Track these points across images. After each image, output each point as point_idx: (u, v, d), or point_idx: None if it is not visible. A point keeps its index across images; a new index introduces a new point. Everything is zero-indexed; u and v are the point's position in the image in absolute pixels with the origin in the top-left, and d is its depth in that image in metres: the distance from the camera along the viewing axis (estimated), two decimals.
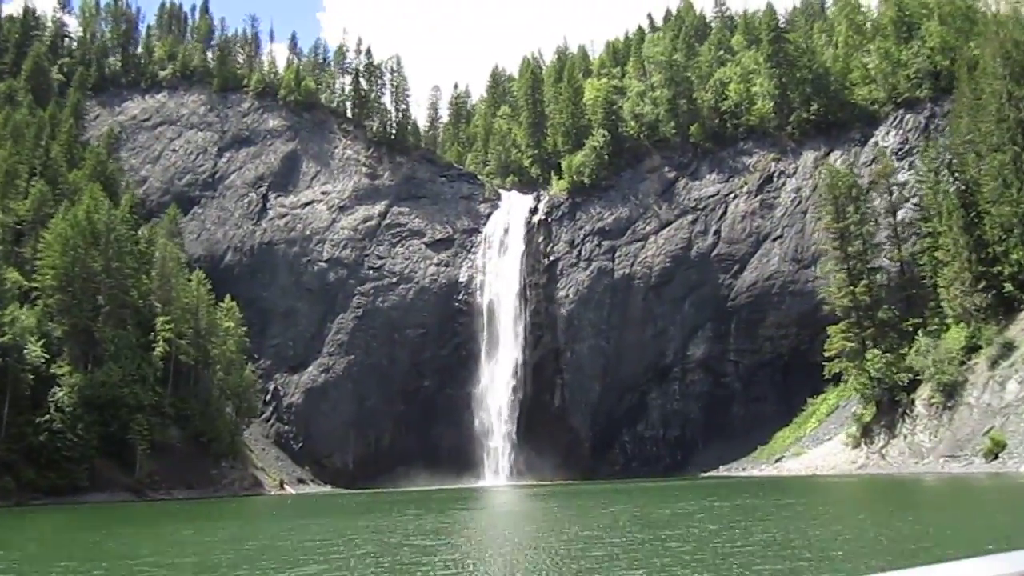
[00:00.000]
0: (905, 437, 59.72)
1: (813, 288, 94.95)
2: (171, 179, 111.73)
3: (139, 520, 49.25)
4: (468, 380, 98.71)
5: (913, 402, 60.67)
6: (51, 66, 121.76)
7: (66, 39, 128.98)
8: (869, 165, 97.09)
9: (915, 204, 67.48)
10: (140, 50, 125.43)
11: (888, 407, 63.41)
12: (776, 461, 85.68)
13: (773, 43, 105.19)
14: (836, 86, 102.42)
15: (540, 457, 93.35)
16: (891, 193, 69.86)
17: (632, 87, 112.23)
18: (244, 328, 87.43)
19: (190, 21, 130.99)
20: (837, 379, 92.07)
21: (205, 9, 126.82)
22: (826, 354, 70.60)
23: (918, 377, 61.25)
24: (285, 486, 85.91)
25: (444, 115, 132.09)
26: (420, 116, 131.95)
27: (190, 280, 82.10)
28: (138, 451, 70.00)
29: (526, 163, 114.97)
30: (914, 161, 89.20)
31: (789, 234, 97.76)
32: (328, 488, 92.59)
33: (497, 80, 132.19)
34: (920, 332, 62.99)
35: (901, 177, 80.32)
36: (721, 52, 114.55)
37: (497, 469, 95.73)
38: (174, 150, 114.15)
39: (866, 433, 64.27)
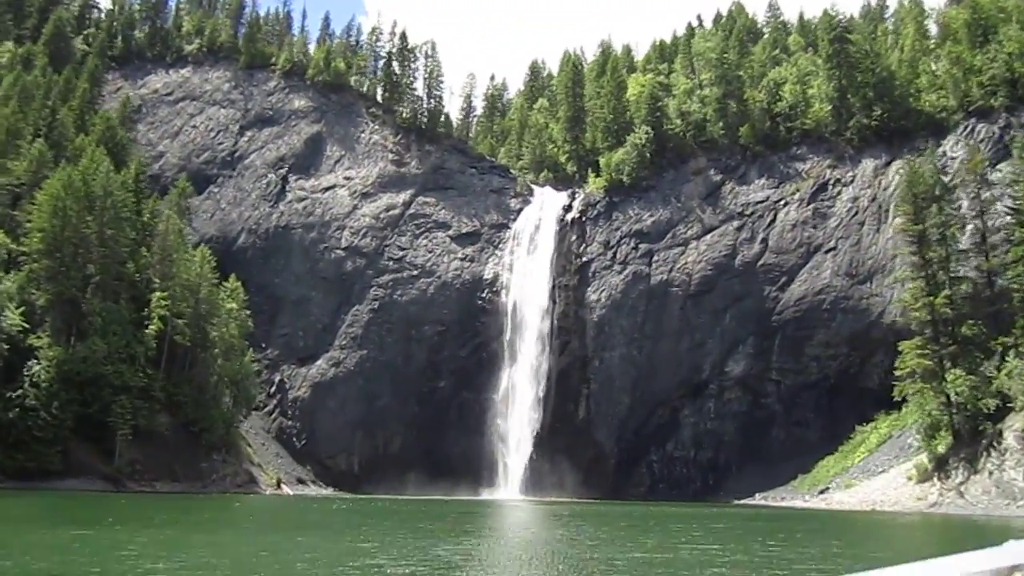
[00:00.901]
0: (991, 474, 50.77)
1: (868, 306, 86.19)
2: (189, 155, 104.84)
3: (99, 514, 41.46)
4: (487, 384, 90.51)
5: (1001, 433, 51.69)
6: (75, 35, 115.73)
7: (94, 9, 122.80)
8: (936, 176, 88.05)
9: (1007, 207, 58.58)
10: (168, 24, 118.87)
11: (969, 438, 54.46)
12: (821, 492, 76.62)
13: (833, 43, 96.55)
14: (901, 91, 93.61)
15: (560, 472, 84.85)
16: (980, 194, 60.89)
17: (679, 84, 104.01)
18: (248, 312, 79.87)
19: None
20: (891, 406, 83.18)
21: None
22: (896, 373, 61.60)
23: (1008, 404, 52.30)
24: (283, 485, 78.00)
25: (478, 107, 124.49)
26: (453, 107, 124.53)
27: (194, 256, 74.53)
28: (118, 436, 62.40)
29: (562, 159, 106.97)
30: (993, 169, 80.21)
31: (844, 246, 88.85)
32: (329, 491, 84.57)
33: (536, 73, 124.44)
34: (1011, 353, 54.01)
35: (990, 177, 71.23)
36: (776, 51, 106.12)
37: (513, 482, 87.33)
38: (194, 126, 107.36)
39: (940, 467, 55.28)
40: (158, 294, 68.74)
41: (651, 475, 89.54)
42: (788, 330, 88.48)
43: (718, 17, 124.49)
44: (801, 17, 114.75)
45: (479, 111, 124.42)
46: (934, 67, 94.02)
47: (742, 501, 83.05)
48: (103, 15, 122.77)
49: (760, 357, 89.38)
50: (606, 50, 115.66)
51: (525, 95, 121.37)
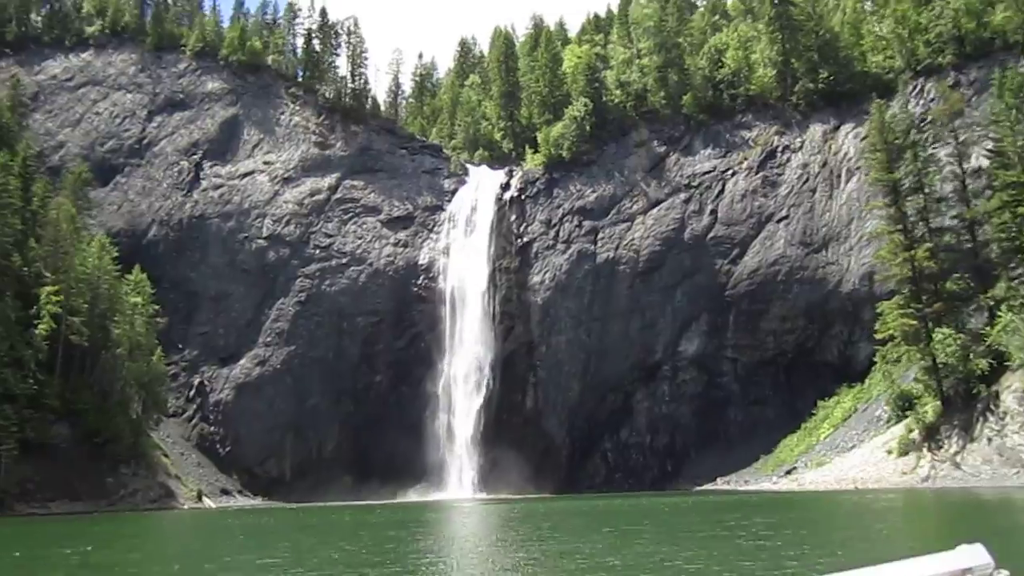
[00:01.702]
0: (990, 440, 45.32)
1: (824, 275, 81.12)
2: (92, 144, 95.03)
3: None
4: (427, 377, 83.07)
5: (998, 395, 46.29)
6: None
7: None
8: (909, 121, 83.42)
9: (988, 150, 53.37)
10: (67, 5, 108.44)
11: (963, 403, 48.99)
12: (787, 473, 71.06)
13: (775, 6, 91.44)
14: (846, 54, 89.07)
15: (510, 466, 77.86)
16: (957, 137, 55.57)
17: (617, 54, 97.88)
18: (157, 307, 71.04)
19: None
20: (853, 378, 78.44)
21: None
22: (877, 336, 55.85)
23: (1005, 363, 46.96)
24: (205, 498, 69.54)
25: (407, 87, 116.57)
26: (380, 88, 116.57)
27: (91, 247, 65.51)
28: (2, 452, 53.46)
29: (497, 137, 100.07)
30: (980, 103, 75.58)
31: (796, 215, 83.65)
32: (258, 501, 76.25)
33: (466, 50, 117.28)
34: (1003, 307, 48.67)
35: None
36: (716, 18, 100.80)
37: (460, 481, 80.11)
38: (97, 113, 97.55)
39: (929, 436, 49.70)
40: (48, 289, 59.76)
41: (606, 465, 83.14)
42: (742, 305, 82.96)
43: None
44: None
45: (408, 92, 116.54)
46: (878, 28, 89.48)
47: (703, 487, 77.26)
48: None
49: (714, 335, 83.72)
50: (538, 24, 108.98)
51: (456, 73, 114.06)
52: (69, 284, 61.91)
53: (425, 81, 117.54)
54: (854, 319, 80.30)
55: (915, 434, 50.76)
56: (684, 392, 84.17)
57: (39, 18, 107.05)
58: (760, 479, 74.37)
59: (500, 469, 78.77)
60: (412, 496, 75.95)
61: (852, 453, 64.01)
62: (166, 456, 71.97)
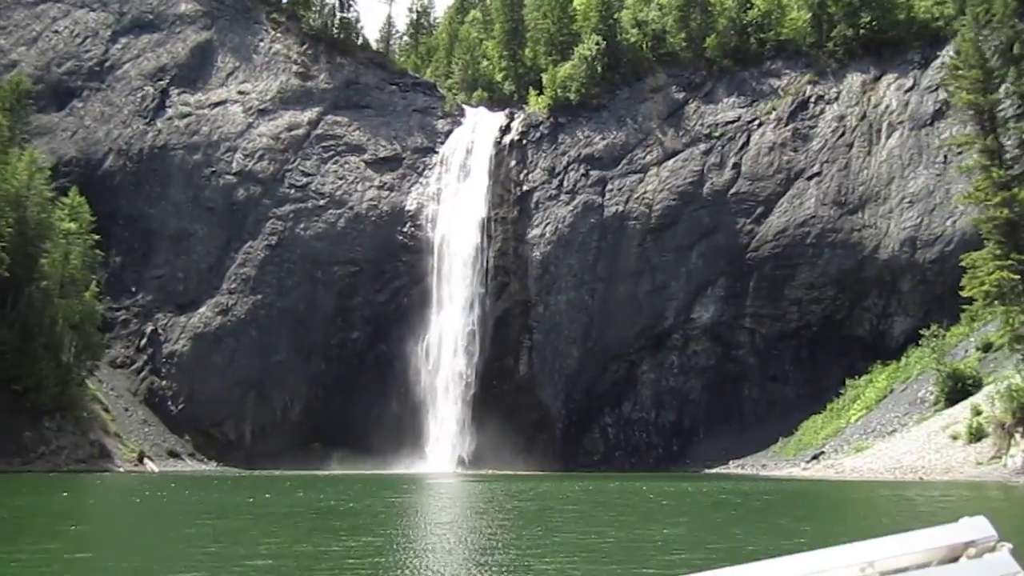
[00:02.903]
0: None
1: (860, 239, 71.33)
2: (47, 65, 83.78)
3: None
4: (410, 335, 72.95)
5: None
6: None
7: None
8: (933, 91, 73.54)
9: None
10: None
11: None
12: (814, 458, 61.50)
13: None
14: None
15: (499, 439, 68.03)
16: None
17: None
18: (95, 236, 60.38)
19: None
20: (887, 355, 68.91)
21: None
22: (965, 294, 45.86)
23: None
24: (147, 460, 59.47)
25: (401, 25, 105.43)
26: (372, 27, 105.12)
27: (18, 162, 54.79)
28: None
29: (498, 78, 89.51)
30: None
31: (830, 171, 73.62)
32: (212, 466, 66.26)
33: None
34: None
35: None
36: None
37: (442, 453, 70.26)
38: (56, 31, 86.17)
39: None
40: None
41: (605, 441, 73.36)
42: (765, 269, 73.07)
43: None
44: None
45: (401, 30, 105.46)
46: None
47: (714, 470, 67.77)
48: None
49: (732, 302, 73.85)
50: None
51: (455, 9, 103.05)
52: None
53: (421, 19, 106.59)
54: (891, 290, 70.73)
55: (997, 415, 40.98)
56: (695, 364, 74.46)
57: None
58: (780, 464, 64.88)
59: (488, 441, 68.96)
60: (388, 468, 66.03)
61: (896, 438, 54.32)
62: (107, 411, 61.84)
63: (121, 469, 55.64)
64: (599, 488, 44.46)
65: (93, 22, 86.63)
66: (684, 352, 74.46)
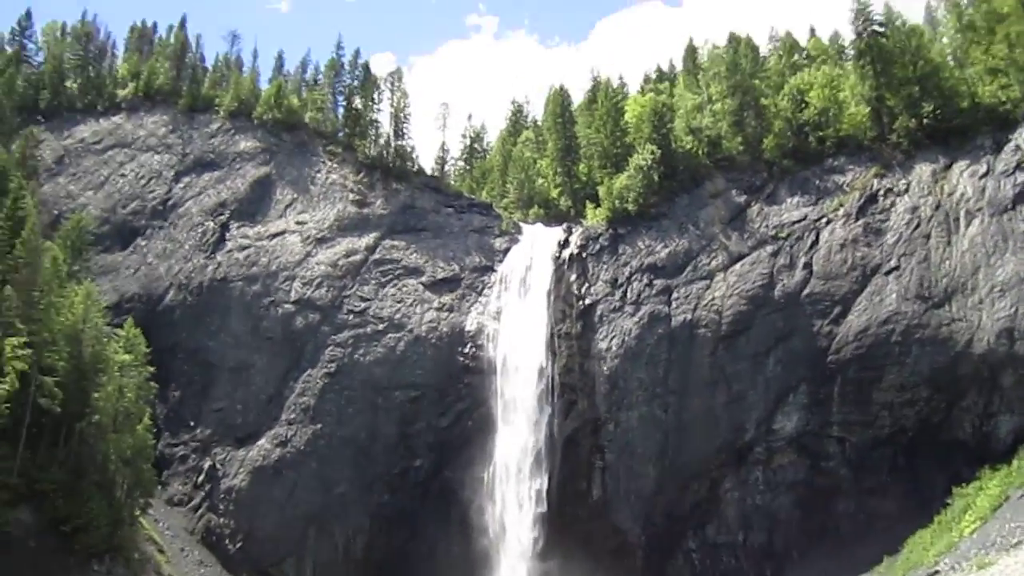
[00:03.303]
0: None
1: (950, 334, 66.04)
2: (114, 206, 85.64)
3: None
4: (476, 460, 69.03)
5: None
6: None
7: (23, 64, 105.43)
8: (1010, 175, 69.68)
9: None
10: (103, 72, 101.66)
11: None
12: None
13: (863, 37, 79.52)
14: (951, 84, 76.22)
15: (573, 569, 62.66)
16: None
17: (686, 100, 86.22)
18: (151, 369, 58.73)
19: (161, 38, 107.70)
20: (995, 459, 62.36)
21: (181, 25, 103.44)
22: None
23: None
24: None
25: (454, 149, 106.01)
26: (425, 153, 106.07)
27: (75, 294, 54.03)
28: None
29: (553, 194, 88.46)
30: None
31: (908, 264, 69.23)
32: None
33: (519, 111, 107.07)
34: None
35: None
36: (796, 58, 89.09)
37: None
38: (123, 175, 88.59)
39: None
40: (15, 340, 48.00)
41: (691, 568, 67.05)
42: (849, 372, 67.85)
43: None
44: (813, 31, 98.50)
45: (455, 154, 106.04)
46: (986, 57, 76.66)
47: None
48: (33, 68, 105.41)
49: (817, 409, 68.43)
50: (597, 80, 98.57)
51: (508, 132, 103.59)
52: (42, 336, 50.19)
53: (474, 143, 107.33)
54: (991, 386, 64.72)
55: None
56: (782, 479, 68.45)
57: (74, 85, 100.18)
58: None
59: (563, 572, 63.52)
60: None
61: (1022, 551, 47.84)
62: (161, 552, 58.54)
63: None
64: None
65: (158, 164, 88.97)
66: (769, 466, 68.70)
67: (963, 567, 52.11)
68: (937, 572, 55.10)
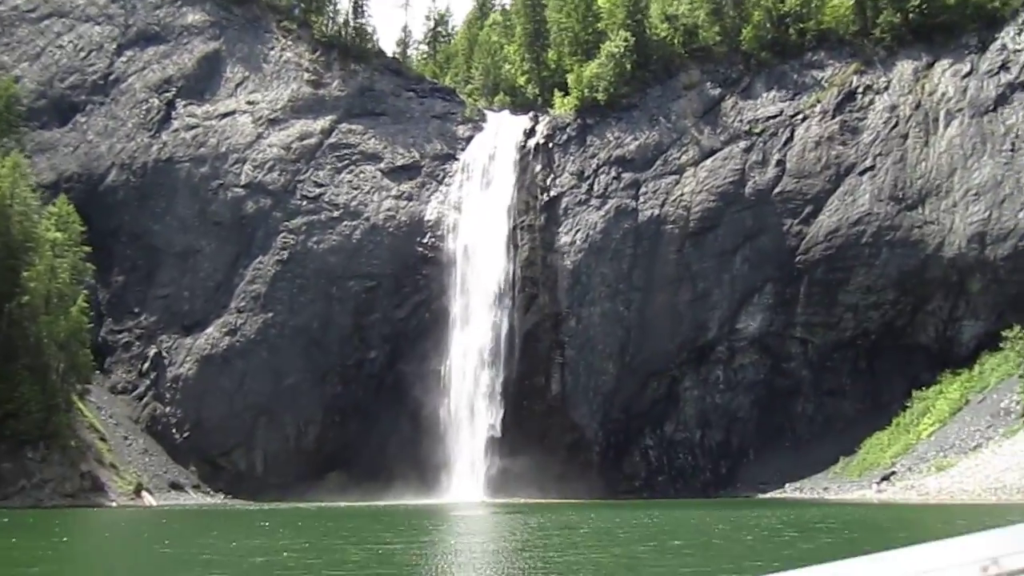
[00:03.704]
0: None
1: (922, 236, 64.56)
2: (50, 80, 79.30)
3: None
4: (432, 353, 66.87)
5: None
6: None
7: None
8: (995, 75, 66.92)
9: None
10: None
11: None
12: (884, 479, 54.40)
13: None
14: None
15: (530, 465, 61.43)
16: None
17: None
18: (86, 248, 54.94)
19: None
20: (956, 363, 61.84)
21: None
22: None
23: None
24: (144, 493, 53.49)
25: (417, 32, 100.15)
26: (386, 37, 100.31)
27: (1, 165, 49.52)
28: None
29: (520, 81, 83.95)
30: None
31: (884, 164, 66.98)
32: (219, 499, 60.18)
33: None
34: None
35: None
36: None
37: (469, 481, 63.76)
38: (60, 46, 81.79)
39: None
40: None
41: (647, 465, 66.55)
42: (817, 273, 66.34)
43: None
44: None
45: (417, 36, 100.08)
46: None
47: (768, 494, 60.80)
48: None
49: (781, 309, 67.12)
50: None
51: (474, 15, 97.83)
52: None
53: (439, 26, 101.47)
54: (959, 291, 63.79)
55: None
56: (742, 379, 67.62)
57: None
58: (845, 486, 57.79)
59: (518, 468, 62.31)
60: (410, 498, 59.63)
61: (986, 453, 47.23)
62: (103, 440, 55.99)
63: (114, 504, 49.74)
64: (655, 519, 37.86)
65: (98, 36, 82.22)
66: (730, 366, 67.67)
67: (919, 469, 51.66)
68: (893, 472, 54.80)
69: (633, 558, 21.46)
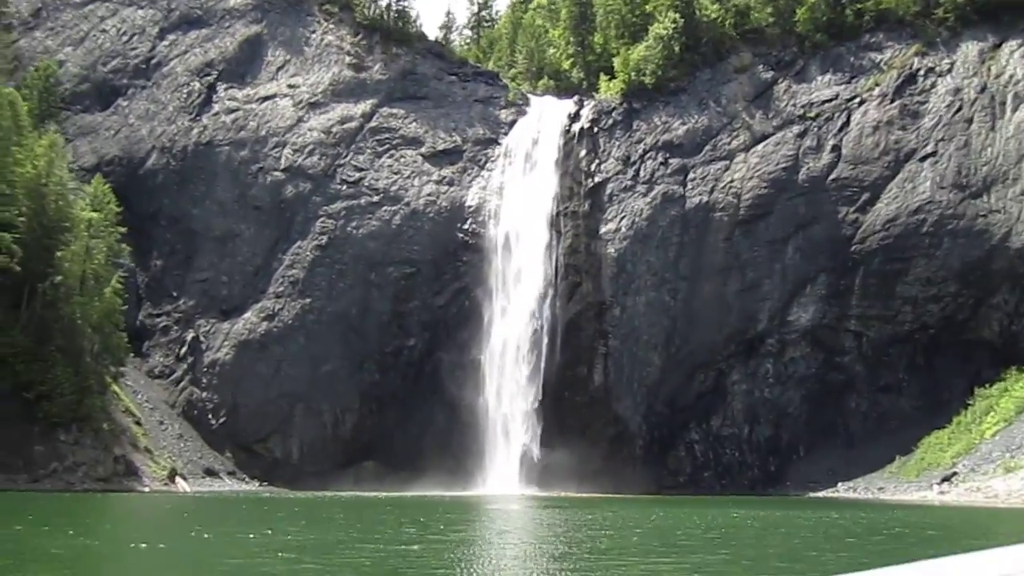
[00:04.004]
0: None
1: (986, 226, 61.14)
2: (94, 64, 78.90)
3: None
4: (472, 342, 65.10)
5: None
6: None
7: None
8: None
9: None
10: None
11: None
12: (944, 480, 51.40)
13: None
14: None
15: (570, 458, 59.42)
16: None
17: None
18: (122, 229, 54.02)
19: None
20: (1021, 360, 58.43)
21: None
22: None
23: None
24: (178, 479, 52.49)
25: (460, 17, 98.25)
26: (429, 23, 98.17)
27: (39, 143, 48.65)
28: None
29: (565, 66, 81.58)
30: None
31: (947, 150, 63.55)
32: (254, 486, 59.10)
33: None
34: None
35: None
36: None
37: (507, 473, 61.90)
38: (103, 31, 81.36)
39: None
40: None
41: (692, 460, 64.08)
42: (873, 264, 63.20)
43: None
44: None
45: (461, 23, 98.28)
46: None
47: (820, 493, 58.04)
48: None
49: (835, 301, 64.13)
50: None
51: (518, 1, 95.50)
52: (1, 189, 45.18)
53: (483, 11, 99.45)
54: None
55: None
56: (793, 373, 64.80)
57: None
58: (901, 486, 54.85)
59: (557, 461, 60.29)
60: (447, 489, 57.99)
61: None
62: (138, 424, 55.14)
63: (147, 489, 48.73)
64: (712, 519, 35.58)
65: (141, 20, 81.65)
66: (780, 359, 64.87)
67: (985, 469, 48.57)
68: (955, 473, 51.75)
69: (715, 570, 19.16)
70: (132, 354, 60.46)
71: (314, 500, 47.17)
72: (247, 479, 59.60)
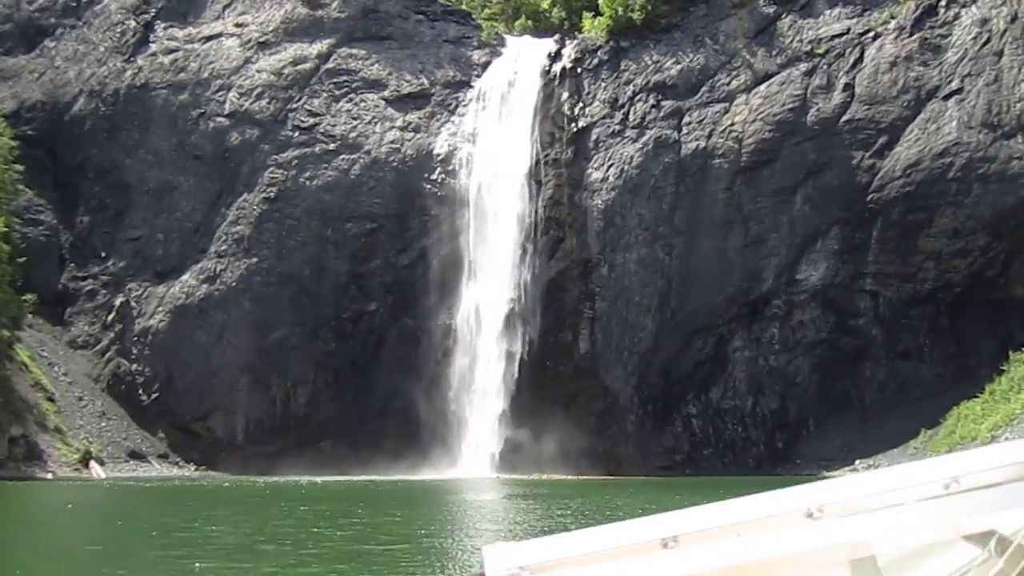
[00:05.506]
0: None
1: (1021, 169, 53.28)
2: (18, 3, 69.45)
3: None
4: (440, 306, 56.91)
5: None
6: None
7: None
8: None
9: None
10: None
11: None
12: None
13: None
14: None
15: (553, 436, 51.69)
16: None
17: None
18: (18, 167, 45.26)
19: None
20: None
21: None
22: None
23: None
24: (92, 464, 44.01)
25: None
26: None
27: None
28: None
29: (544, 5, 73.08)
30: None
31: (975, 86, 55.72)
32: (190, 471, 50.75)
33: None
34: None
35: None
36: None
37: (480, 453, 53.96)
38: None
39: None
40: None
41: (690, 437, 56.32)
42: (892, 214, 55.46)
43: None
44: None
45: None
46: None
47: (835, 472, 50.31)
48: None
49: (849, 257, 56.42)
50: None
51: None
52: None
53: None
54: None
55: None
56: (802, 338, 57.12)
57: None
58: None
59: (539, 439, 52.51)
60: (415, 472, 50.03)
61: None
62: (51, 400, 46.53)
63: (50, 476, 40.29)
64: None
65: None
66: (788, 323, 57.17)
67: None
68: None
69: None
70: (53, 323, 52.04)
71: (250, 487, 38.99)
72: (181, 463, 51.26)
